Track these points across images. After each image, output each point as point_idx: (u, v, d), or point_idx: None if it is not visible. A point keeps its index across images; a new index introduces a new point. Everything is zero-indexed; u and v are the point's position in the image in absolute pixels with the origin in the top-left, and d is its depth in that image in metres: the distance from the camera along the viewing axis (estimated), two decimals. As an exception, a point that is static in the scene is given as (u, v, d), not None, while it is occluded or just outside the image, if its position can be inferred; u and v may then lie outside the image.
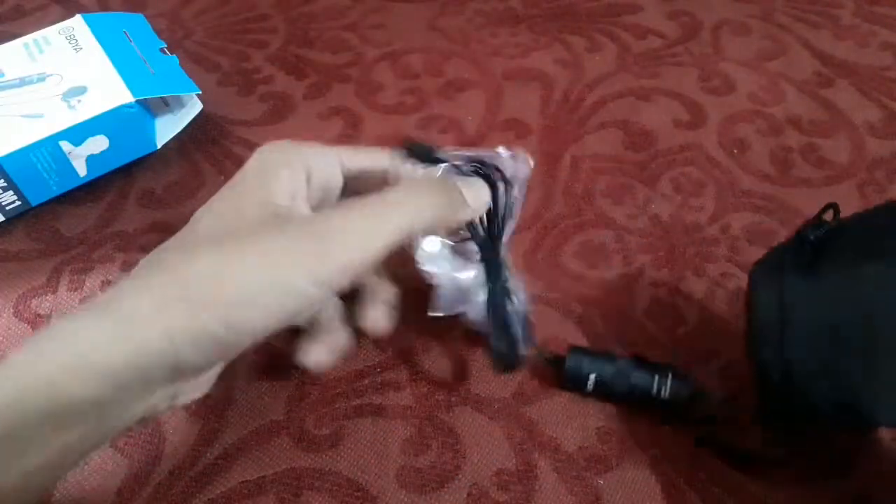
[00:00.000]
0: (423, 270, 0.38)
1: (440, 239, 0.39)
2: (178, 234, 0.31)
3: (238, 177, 0.33)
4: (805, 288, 0.37)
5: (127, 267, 0.54)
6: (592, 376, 0.44)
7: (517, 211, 0.41)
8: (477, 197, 0.35)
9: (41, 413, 0.25)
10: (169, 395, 0.30)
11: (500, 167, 0.38)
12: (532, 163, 0.38)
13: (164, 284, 0.27)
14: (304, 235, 0.29)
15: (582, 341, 0.49)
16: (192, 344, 0.27)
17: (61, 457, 0.27)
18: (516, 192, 0.40)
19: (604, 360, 0.45)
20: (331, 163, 0.35)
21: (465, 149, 0.38)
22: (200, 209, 0.33)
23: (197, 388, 0.32)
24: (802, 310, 0.37)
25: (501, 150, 0.39)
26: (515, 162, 0.40)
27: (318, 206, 0.35)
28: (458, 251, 0.41)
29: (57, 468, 0.28)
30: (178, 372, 0.28)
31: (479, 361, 0.48)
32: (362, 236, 0.30)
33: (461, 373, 0.47)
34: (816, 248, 0.39)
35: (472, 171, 0.37)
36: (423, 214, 0.31)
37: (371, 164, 0.37)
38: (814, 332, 0.36)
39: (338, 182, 0.36)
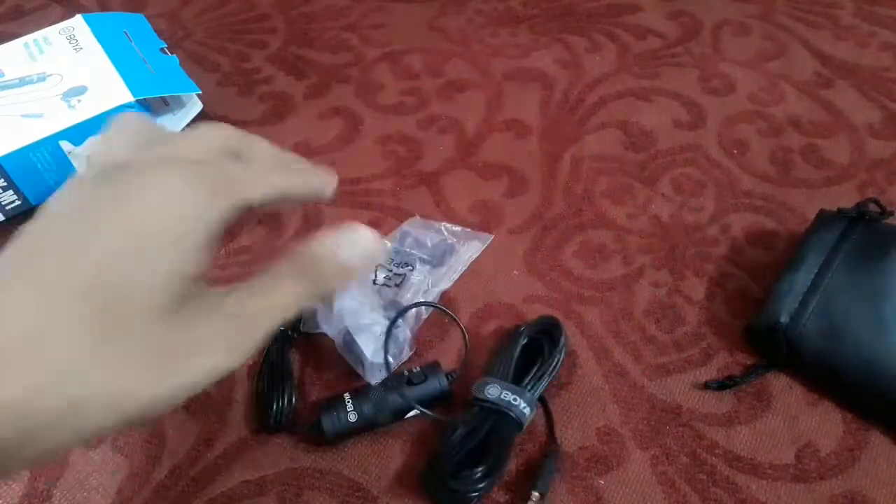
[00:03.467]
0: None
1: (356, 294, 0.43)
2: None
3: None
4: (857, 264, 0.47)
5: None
6: (353, 416, 0.43)
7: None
8: (355, 254, 0.29)
9: None
10: None
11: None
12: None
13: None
14: (152, 344, 0.23)
15: (582, 341, 0.49)
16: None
17: None
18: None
19: (356, 401, 0.44)
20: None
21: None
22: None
23: None
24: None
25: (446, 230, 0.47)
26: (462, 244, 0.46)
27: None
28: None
29: None
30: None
31: (475, 359, 0.48)
32: (220, 356, 0.24)
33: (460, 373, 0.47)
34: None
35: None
36: (289, 311, 0.26)
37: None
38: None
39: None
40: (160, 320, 0.23)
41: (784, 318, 0.46)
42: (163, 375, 0.23)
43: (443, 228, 0.53)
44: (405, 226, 0.52)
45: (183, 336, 0.23)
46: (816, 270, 0.47)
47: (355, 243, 0.28)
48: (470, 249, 0.51)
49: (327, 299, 0.39)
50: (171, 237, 0.23)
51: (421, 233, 0.51)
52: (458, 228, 0.53)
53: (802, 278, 0.47)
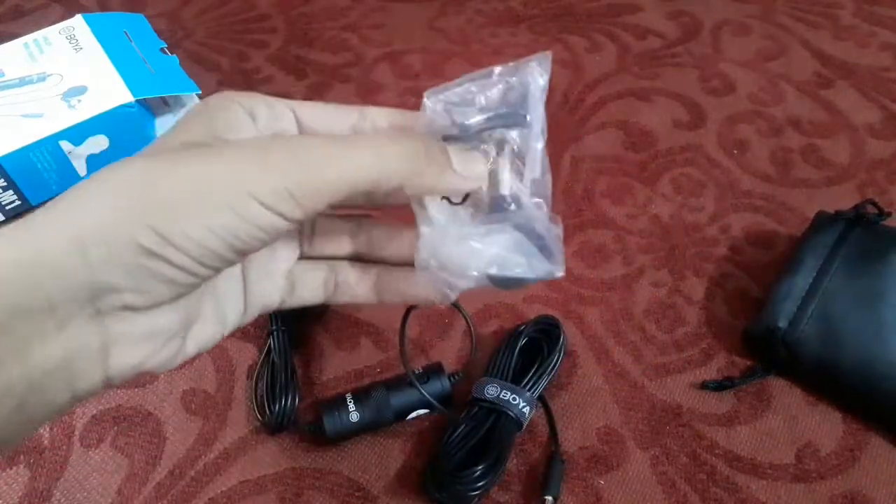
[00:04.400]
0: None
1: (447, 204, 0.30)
2: None
3: (180, 120, 0.26)
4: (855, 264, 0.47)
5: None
6: (355, 416, 0.43)
7: (539, 134, 0.31)
8: (467, 168, 0.28)
9: None
10: (101, 341, 0.22)
11: (523, 109, 0.30)
12: (548, 62, 0.29)
13: (84, 186, 0.22)
14: (271, 145, 0.24)
15: (582, 341, 0.49)
16: (109, 258, 0.21)
17: None
18: (538, 116, 0.30)
19: (359, 400, 0.44)
20: (279, 109, 0.28)
21: (457, 83, 0.30)
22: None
23: (152, 339, 0.24)
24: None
25: (499, 70, 0.31)
26: (527, 76, 0.30)
27: None
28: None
29: None
30: (99, 299, 0.21)
31: (478, 359, 0.48)
32: (336, 157, 0.24)
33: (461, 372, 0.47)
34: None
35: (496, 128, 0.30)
36: (390, 161, 0.25)
37: (330, 119, 0.30)
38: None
39: (291, 131, 0.29)
40: (269, 136, 0.28)
41: (783, 323, 0.46)
42: (289, 169, 0.23)
43: (492, 73, 0.32)
44: (431, 97, 0.31)
45: (296, 139, 0.26)
46: (815, 274, 0.47)
47: (468, 167, 0.28)
48: (535, 77, 0.32)
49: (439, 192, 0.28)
50: None
51: (463, 94, 0.32)
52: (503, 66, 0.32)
53: (801, 282, 0.47)
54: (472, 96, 0.30)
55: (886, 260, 0.46)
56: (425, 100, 0.30)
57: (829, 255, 0.48)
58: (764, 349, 0.47)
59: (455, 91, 0.30)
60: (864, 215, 0.49)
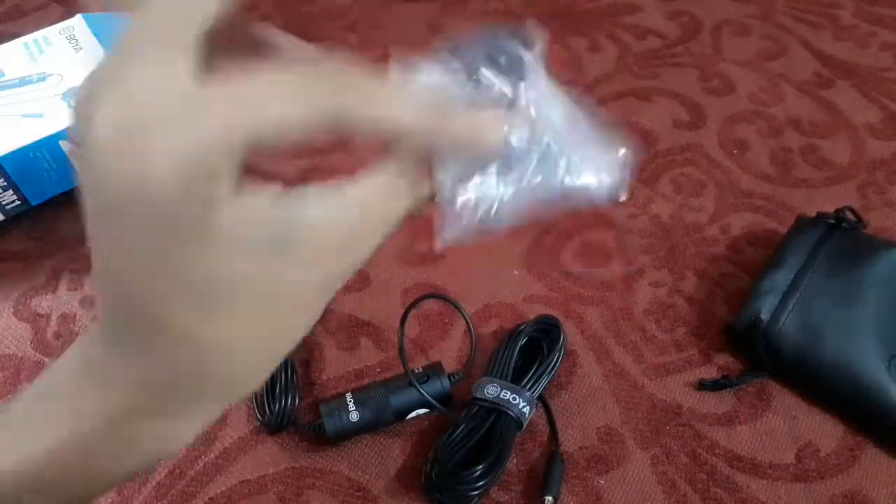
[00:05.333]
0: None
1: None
2: None
3: None
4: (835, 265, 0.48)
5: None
6: (356, 416, 0.43)
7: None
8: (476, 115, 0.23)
9: None
10: None
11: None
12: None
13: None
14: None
15: (582, 341, 0.49)
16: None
17: None
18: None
19: (359, 400, 0.44)
20: None
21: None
22: None
23: None
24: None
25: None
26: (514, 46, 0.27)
27: None
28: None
29: None
30: None
31: (478, 359, 0.48)
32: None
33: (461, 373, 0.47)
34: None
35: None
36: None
37: None
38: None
39: None
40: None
41: (765, 316, 0.46)
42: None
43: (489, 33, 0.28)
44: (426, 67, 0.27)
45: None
46: (796, 271, 0.48)
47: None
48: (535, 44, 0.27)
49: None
50: None
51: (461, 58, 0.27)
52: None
53: (783, 278, 0.48)
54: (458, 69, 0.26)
55: (864, 267, 0.47)
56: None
57: (811, 254, 0.49)
58: (746, 343, 0.47)
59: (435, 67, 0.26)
60: (844, 219, 0.50)
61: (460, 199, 0.25)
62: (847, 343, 0.44)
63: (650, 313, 0.51)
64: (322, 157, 0.62)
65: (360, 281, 0.53)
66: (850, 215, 0.51)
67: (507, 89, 0.25)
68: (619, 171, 0.25)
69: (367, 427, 0.43)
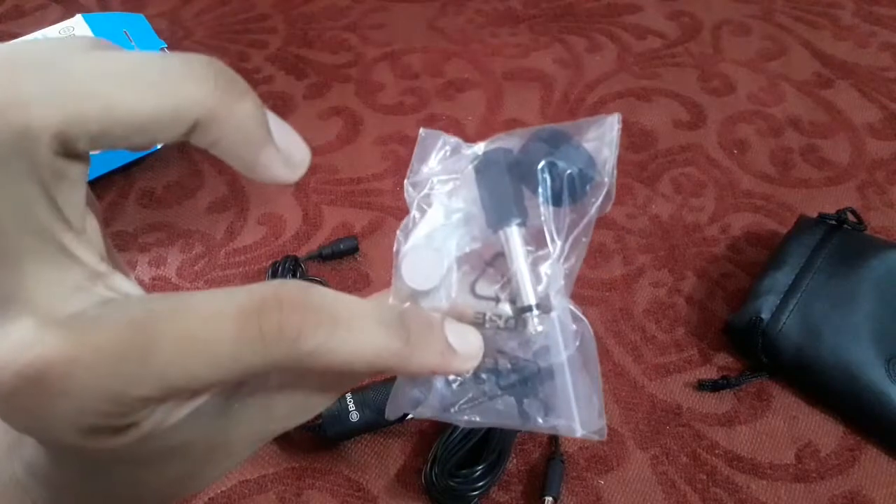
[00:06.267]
0: None
1: None
2: None
3: None
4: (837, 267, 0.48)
5: (128, 266, 0.54)
6: (356, 416, 0.43)
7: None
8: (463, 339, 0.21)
9: None
10: None
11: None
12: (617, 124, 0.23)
13: None
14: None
15: (582, 341, 0.49)
16: None
17: None
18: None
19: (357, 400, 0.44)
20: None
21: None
22: None
23: None
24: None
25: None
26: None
27: None
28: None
29: None
30: None
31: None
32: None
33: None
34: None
35: None
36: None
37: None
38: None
39: None
40: None
41: (765, 315, 0.46)
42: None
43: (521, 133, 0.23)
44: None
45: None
46: (797, 271, 0.48)
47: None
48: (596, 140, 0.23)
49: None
50: None
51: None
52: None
53: (784, 278, 0.48)
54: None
55: (864, 268, 0.47)
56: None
57: (812, 255, 0.48)
58: (746, 343, 0.47)
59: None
60: (846, 221, 0.50)
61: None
62: (847, 344, 0.44)
63: (650, 313, 0.51)
64: (322, 156, 0.62)
65: (361, 281, 0.53)
66: (851, 217, 0.51)
67: (507, 307, 0.22)
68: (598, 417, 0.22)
69: (367, 427, 0.43)
